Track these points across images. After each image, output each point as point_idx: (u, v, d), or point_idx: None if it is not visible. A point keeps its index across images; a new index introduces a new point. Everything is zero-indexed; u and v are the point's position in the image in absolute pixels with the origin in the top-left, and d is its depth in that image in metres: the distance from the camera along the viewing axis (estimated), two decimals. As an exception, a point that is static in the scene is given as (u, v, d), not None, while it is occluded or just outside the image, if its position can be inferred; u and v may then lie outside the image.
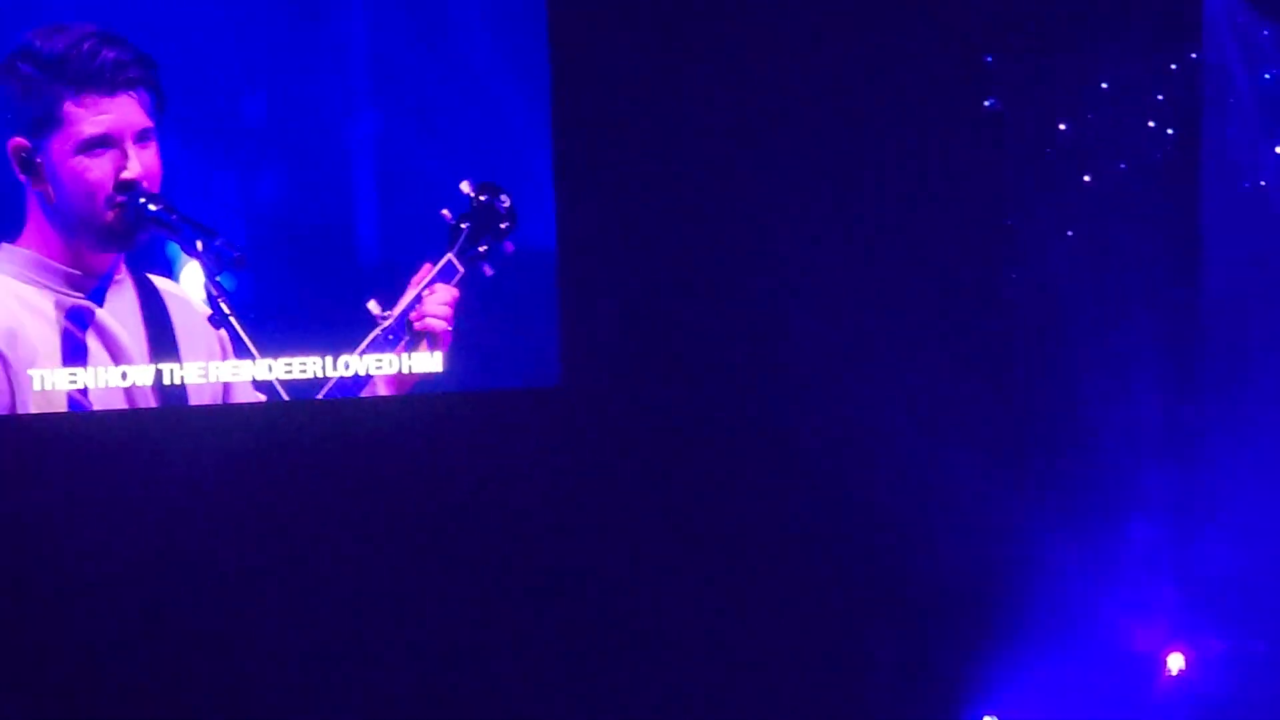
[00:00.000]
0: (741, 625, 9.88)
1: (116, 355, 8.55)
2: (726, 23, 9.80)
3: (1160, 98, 11.37)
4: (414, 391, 8.55)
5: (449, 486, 9.48)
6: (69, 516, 8.83)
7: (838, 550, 10.14)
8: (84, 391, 8.43)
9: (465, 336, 8.55)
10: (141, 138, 7.98)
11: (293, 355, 8.31)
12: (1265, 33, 11.19)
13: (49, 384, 8.09)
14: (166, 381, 8.38)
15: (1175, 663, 11.16)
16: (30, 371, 8.05)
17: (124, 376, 8.56)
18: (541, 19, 9.54)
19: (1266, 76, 11.82)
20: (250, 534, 9.16)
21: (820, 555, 10.15)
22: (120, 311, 8.19)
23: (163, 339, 8.65)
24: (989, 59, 10.72)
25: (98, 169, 7.89)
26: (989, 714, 10.53)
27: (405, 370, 8.52)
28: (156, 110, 8.08)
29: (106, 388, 8.42)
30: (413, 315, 8.56)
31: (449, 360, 8.95)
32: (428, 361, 8.92)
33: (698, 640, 9.78)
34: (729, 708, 9.75)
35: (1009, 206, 10.64)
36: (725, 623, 9.87)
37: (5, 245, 8.13)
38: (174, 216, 8.00)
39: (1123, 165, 11.14)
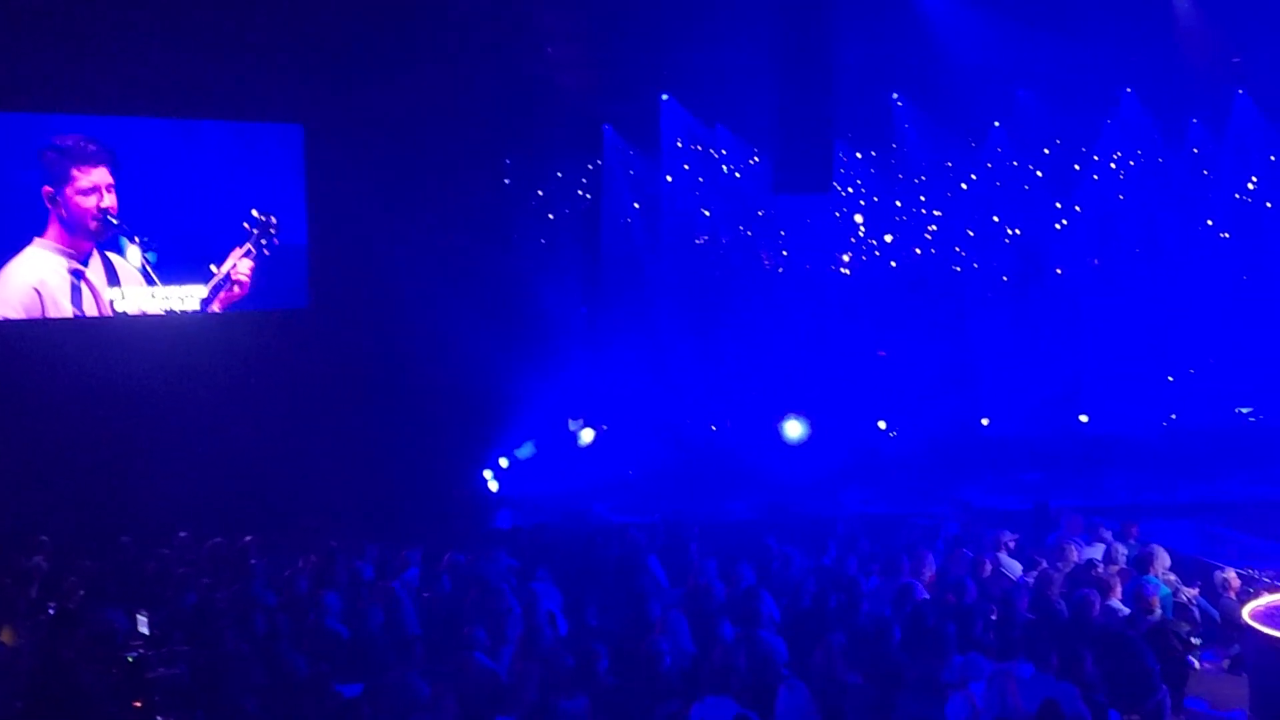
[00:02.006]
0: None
1: (94, 291, 18.26)
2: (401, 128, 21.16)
3: (584, 180, 22.64)
4: (231, 309, 18.48)
5: (248, 354, 20.32)
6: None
7: (446, 386, 21.29)
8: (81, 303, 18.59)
9: (256, 282, 18.67)
10: (109, 187, 18.14)
11: (177, 286, 18.14)
12: (632, 152, 22.78)
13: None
14: (119, 306, 19.74)
15: (585, 437, 21.84)
16: (113, 291, 19.16)
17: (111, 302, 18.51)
18: (298, 135, 20.34)
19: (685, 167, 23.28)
20: (143, 378, 19.99)
21: (437, 387, 21.25)
22: (96, 270, 17.55)
23: (114, 281, 18.31)
24: (508, 160, 22.04)
25: (89, 202, 17.16)
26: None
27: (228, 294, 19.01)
28: (115, 173, 18.83)
29: (97, 303, 19.43)
30: (231, 272, 18.40)
31: (250, 295, 19.26)
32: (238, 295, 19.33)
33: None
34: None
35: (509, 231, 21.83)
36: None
37: (38, 238, 17.74)
38: (124, 225, 18.55)
39: (567, 210, 22.19)
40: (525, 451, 22.27)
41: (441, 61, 20.87)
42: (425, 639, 12.62)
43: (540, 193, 23.80)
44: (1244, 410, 24.98)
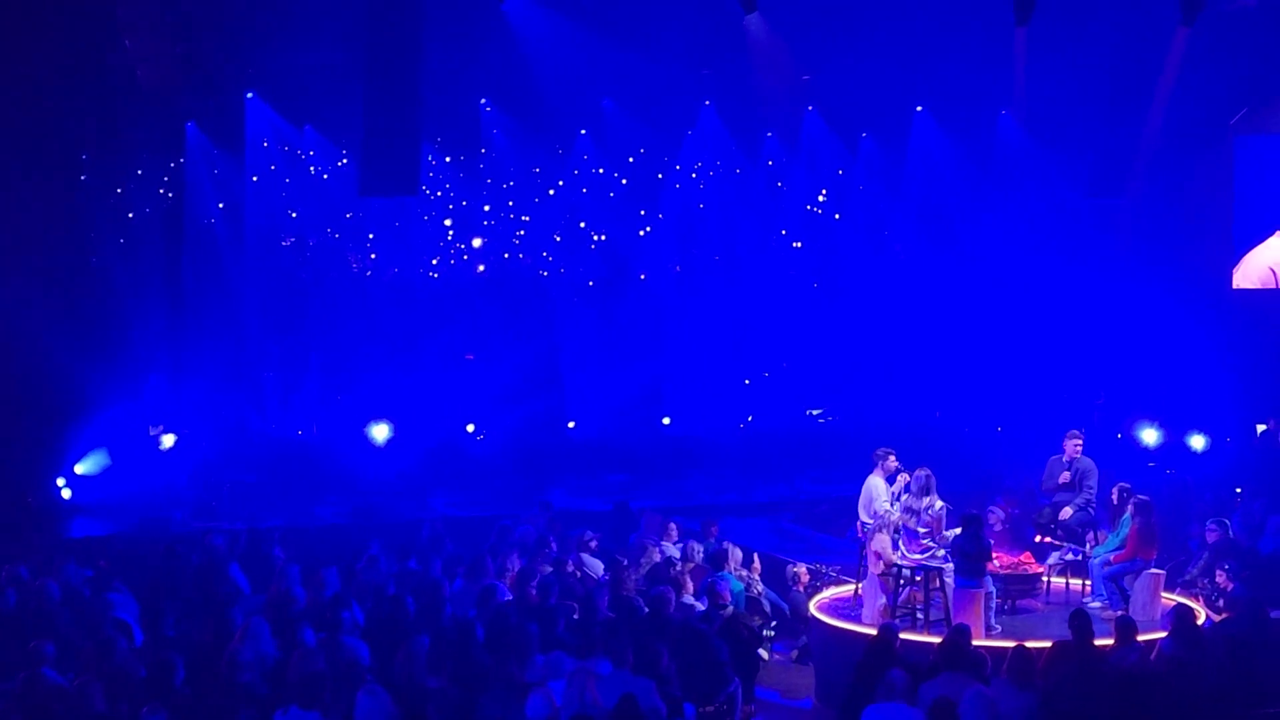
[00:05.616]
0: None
1: None
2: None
3: (166, 178, 22.34)
4: None
5: None
6: None
7: (12, 391, 20.20)
8: None
9: None
10: None
11: None
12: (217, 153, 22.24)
13: None
14: None
15: (166, 442, 21.20)
16: None
17: None
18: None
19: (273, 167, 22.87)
20: None
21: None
22: None
23: None
24: (84, 156, 21.56)
25: None
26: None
27: None
28: None
29: None
30: None
31: None
32: None
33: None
34: None
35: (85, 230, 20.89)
36: None
37: None
38: None
39: (148, 209, 21.61)
40: (100, 458, 21.40)
41: (12, 49, 19.91)
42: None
43: (119, 190, 22.91)
44: (814, 412, 26.21)
